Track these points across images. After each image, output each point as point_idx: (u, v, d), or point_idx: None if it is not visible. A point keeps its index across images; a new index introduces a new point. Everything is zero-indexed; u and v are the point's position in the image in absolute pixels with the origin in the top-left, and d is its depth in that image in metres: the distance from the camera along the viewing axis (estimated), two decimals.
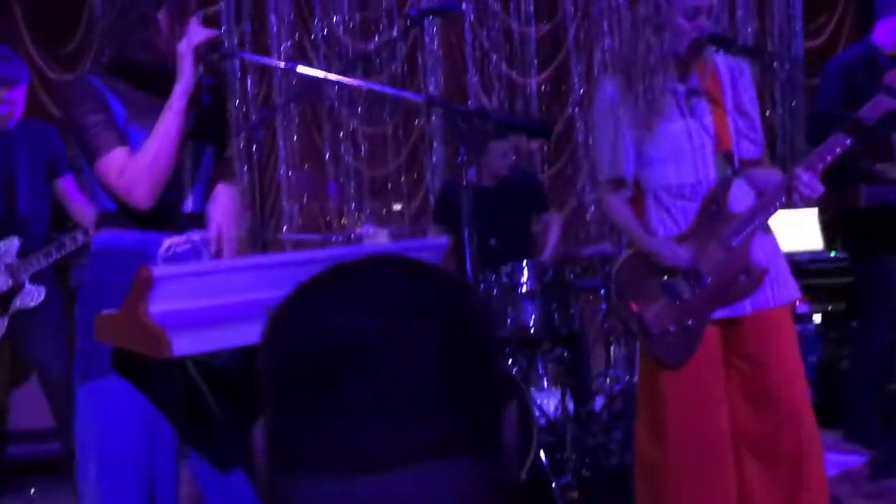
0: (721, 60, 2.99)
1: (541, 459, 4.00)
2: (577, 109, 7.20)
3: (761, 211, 2.87)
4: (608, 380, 5.03)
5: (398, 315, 0.79)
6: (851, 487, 4.04)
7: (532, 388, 4.52)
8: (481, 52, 7.21)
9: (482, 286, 4.24)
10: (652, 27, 2.86)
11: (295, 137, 7.09)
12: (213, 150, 2.65)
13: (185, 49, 2.41)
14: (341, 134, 7.15)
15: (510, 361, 4.26)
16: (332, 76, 2.98)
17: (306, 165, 7.20)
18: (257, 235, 4.62)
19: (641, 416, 3.03)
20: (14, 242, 4.19)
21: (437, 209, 5.19)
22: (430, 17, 5.15)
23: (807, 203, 2.82)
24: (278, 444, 0.81)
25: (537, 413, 4.20)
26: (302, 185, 7.17)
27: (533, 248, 5.04)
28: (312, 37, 7.09)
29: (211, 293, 2.03)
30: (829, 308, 5.56)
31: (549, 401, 4.59)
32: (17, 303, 4.18)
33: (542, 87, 7.28)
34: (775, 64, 6.92)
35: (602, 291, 4.95)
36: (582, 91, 7.17)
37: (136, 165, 2.38)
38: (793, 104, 7.06)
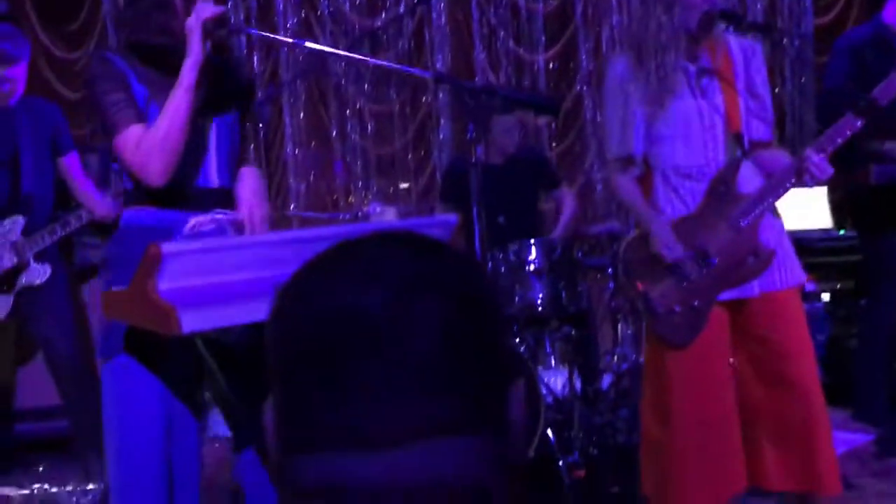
0: (734, 41, 2.96)
1: (548, 437, 4.00)
2: (585, 87, 7.16)
3: (770, 192, 2.85)
4: (616, 358, 5.03)
5: (405, 290, 0.78)
6: (858, 466, 4.04)
7: (539, 367, 4.53)
8: (489, 28, 7.17)
9: (490, 264, 4.23)
10: (662, 3, 2.83)
11: (301, 115, 7.06)
12: (237, 127, 2.66)
13: (194, 24, 2.42)
14: (348, 111, 7.13)
15: (518, 339, 4.25)
16: (340, 52, 2.96)
17: (313, 143, 7.18)
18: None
19: (647, 397, 3.02)
20: (19, 220, 4.19)
21: (444, 187, 5.16)
22: None
23: (816, 184, 2.81)
24: (286, 421, 0.80)
25: (544, 391, 4.20)
26: (309, 162, 7.15)
27: (541, 226, 5.03)
28: (319, 13, 7.05)
29: (220, 270, 2.03)
30: (838, 286, 5.55)
31: (556, 379, 4.59)
32: (23, 280, 4.18)
33: (550, 63, 7.23)
34: (785, 41, 6.87)
35: (610, 269, 4.94)
36: (590, 68, 7.13)
37: (148, 142, 2.41)
38: (802, 81, 7.02)
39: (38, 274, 4.19)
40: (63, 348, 4.28)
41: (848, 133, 2.76)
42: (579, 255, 4.56)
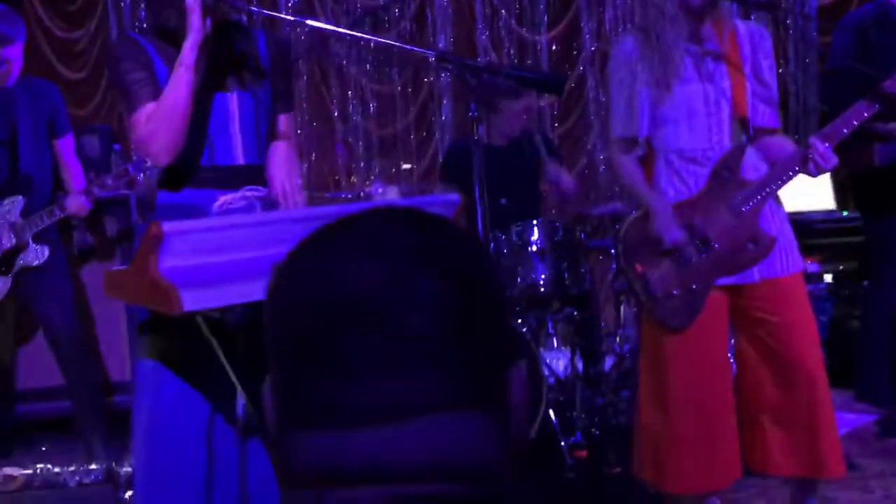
0: (741, 25, 2.94)
1: (550, 418, 4.00)
2: (587, 67, 7.13)
3: (774, 179, 2.84)
4: (618, 339, 5.03)
5: (405, 265, 0.77)
6: (860, 446, 4.04)
7: (541, 348, 4.52)
8: (491, 8, 7.13)
9: (492, 245, 4.22)
10: None
11: (303, 95, 7.04)
12: (267, 104, 2.66)
13: (193, 2, 2.42)
14: (350, 92, 7.10)
15: (520, 320, 4.25)
16: (342, 30, 2.96)
17: (314, 123, 7.16)
18: None
19: (644, 381, 3.00)
20: (18, 201, 4.17)
21: (444, 167, 5.08)
22: None
23: (820, 174, 2.80)
24: (285, 398, 0.80)
25: (547, 372, 4.20)
26: (310, 143, 7.13)
27: (544, 208, 5.01)
28: None
29: (222, 249, 2.03)
30: (841, 267, 5.54)
31: (558, 360, 4.58)
32: (21, 261, 4.17)
33: (553, 44, 7.20)
34: (788, 20, 6.84)
35: (613, 251, 4.93)
36: (593, 49, 7.10)
37: (153, 120, 2.44)
38: (806, 61, 6.98)
39: (37, 255, 4.18)
40: (64, 329, 4.28)
41: (855, 123, 2.76)
42: (582, 236, 4.55)
